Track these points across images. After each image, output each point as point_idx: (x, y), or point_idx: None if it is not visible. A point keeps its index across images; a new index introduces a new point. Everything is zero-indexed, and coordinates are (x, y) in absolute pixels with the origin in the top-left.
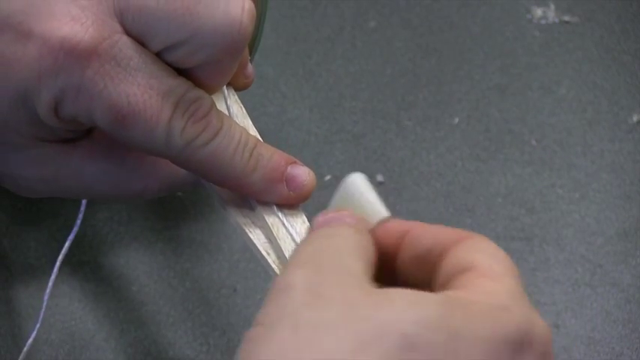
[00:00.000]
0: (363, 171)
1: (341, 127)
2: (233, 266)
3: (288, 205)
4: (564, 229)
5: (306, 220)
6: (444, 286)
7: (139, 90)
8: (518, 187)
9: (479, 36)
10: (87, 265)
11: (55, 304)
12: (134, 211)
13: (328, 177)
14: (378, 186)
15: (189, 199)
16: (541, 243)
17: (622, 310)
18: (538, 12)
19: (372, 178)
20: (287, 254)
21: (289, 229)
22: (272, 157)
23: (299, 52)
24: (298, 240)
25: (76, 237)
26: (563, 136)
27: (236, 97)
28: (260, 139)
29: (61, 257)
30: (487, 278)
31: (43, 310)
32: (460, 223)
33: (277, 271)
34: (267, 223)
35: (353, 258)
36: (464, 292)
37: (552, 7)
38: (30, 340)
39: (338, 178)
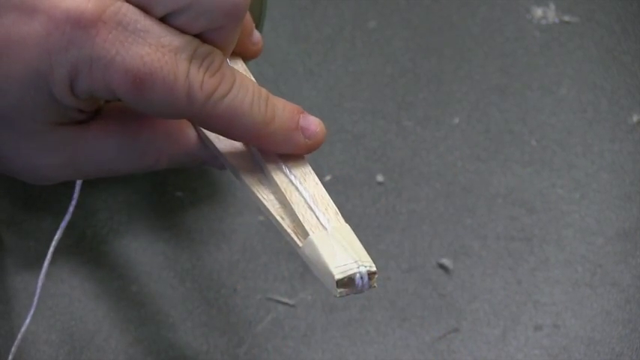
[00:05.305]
0: (363, 171)
1: (341, 127)
2: (233, 266)
3: (301, 155)
4: (564, 229)
5: (318, 181)
6: None
7: (152, 49)
8: (518, 187)
9: (479, 36)
10: (87, 265)
11: (55, 305)
12: (134, 211)
13: (328, 177)
14: (378, 186)
15: (189, 199)
16: (541, 243)
17: (622, 310)
18: (538, 12)
19: (372, 178)
20: (301, 218)
21: (302, 193)
22: (285, 106)
23: (299, 52)
24: (311, 203)
25: (76, 237)
26: (563, 136)
27: (244, 65)
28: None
29: (56, 238)
30: None
31: (37, 295)
32: (460, 223)
33: (292, 235)
34: (279, 188)
35: None
36: None
37: (552, 7)
38: (23, 329)
39: (338, 178)
